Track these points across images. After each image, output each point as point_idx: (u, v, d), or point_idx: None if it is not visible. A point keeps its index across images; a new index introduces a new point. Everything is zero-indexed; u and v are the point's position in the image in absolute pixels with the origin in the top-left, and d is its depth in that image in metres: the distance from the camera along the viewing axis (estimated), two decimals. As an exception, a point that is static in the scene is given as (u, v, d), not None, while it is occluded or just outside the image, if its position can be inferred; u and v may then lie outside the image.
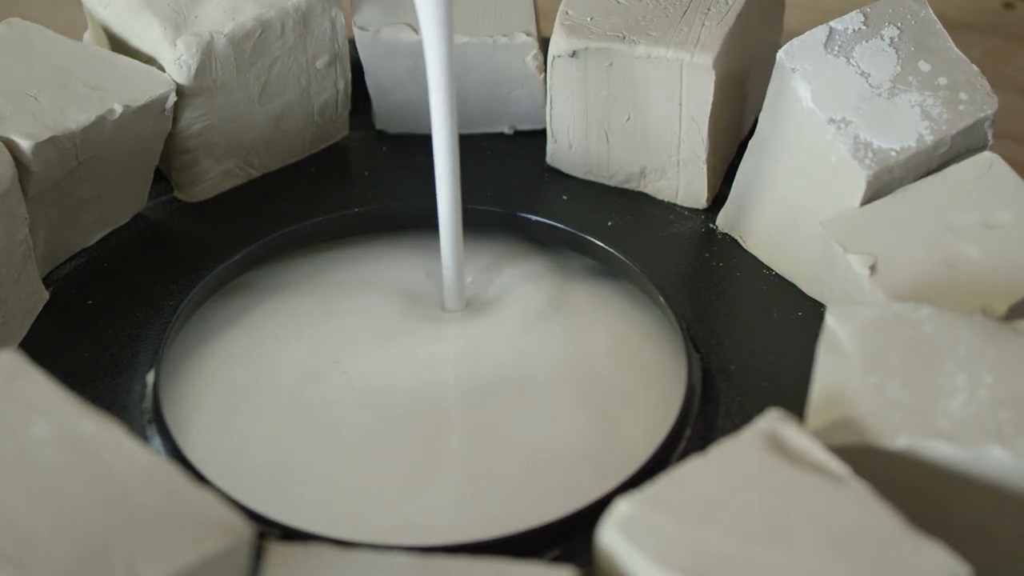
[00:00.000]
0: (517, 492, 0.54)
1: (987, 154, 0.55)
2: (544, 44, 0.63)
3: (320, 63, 0.63)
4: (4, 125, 0.55)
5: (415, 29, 0.63)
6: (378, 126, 0.67)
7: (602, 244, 0.61)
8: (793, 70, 0.56)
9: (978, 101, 0.56)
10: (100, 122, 0.57)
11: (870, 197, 0.55)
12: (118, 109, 0.57)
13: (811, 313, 0.58)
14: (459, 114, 0.65)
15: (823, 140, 0.55)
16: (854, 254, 0.53)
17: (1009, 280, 0.51)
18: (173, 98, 0.59)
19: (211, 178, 0.63)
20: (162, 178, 0.63)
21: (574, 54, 0.60)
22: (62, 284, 0.60)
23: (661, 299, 0.58)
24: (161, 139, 0.60)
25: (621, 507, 0.43)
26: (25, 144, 0.55)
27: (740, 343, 0.57)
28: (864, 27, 0.57)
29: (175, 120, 0.60)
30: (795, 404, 0.50)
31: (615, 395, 0.58)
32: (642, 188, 0.64)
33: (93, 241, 0.61)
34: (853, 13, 0.58)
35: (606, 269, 0.62)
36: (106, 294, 0.59)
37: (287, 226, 0.62)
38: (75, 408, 0.44)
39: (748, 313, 0.59)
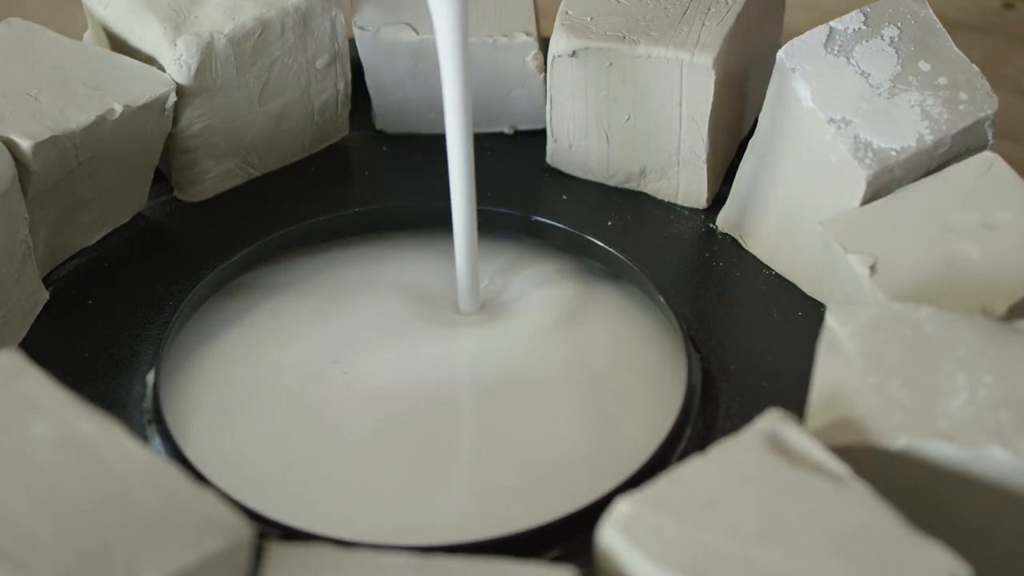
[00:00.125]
0: (517, 492, 0.54)
1: (987, 154, 0.55)
2: (544, 44, 0.63)
3: (320, 63, 0.63)
4: (4, 125, 0.55)
5: (415, 29, 0.63)
6: (378, 126, 0.67)
7: (602, 244, 0.61)
8: (793, 70, 0.56)
9: (978, 101, 0.56)
10: (100, 122, 0.57)
11: (870, 197, 0.55)
12: (118, 109, 0.57)
13: (811, 313, 0.58)
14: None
15: (823, 140, 0.55)
16: (854, 254, 0.53)
17: (1009, 280, 0.51)
18: (173, 98, 0.59)
19: (211, 178, 0.63)
20: (162, 178, 0.63)
21: (574, 54, 0.60)
22: (62, 284, 0.60)
23: (661, 299, 0.58)
24: (161, 139, 0.60)
25: (621, 507, 0.43)
26: (25, 144, 0.55)
27: (740, 343, 0.57)
28: (864, 27, 0.57)
29: (175, 120, 0.60)
30: (795, 404, 0.50)
31: (615, 395, 0.58)
32: (642, 188, 0.64)
33: (93, 241, 0.61)
34: (853, 13, 0.58)
35: (606, 269, 0.62)
36: (106, 294, 0.59)
37: (287, 226, 0.62)
38: (75, 408, 0.44)
39: (748, 313, 0.59)
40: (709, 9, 0.60)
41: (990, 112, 0.56)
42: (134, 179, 0.61)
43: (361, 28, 0.64)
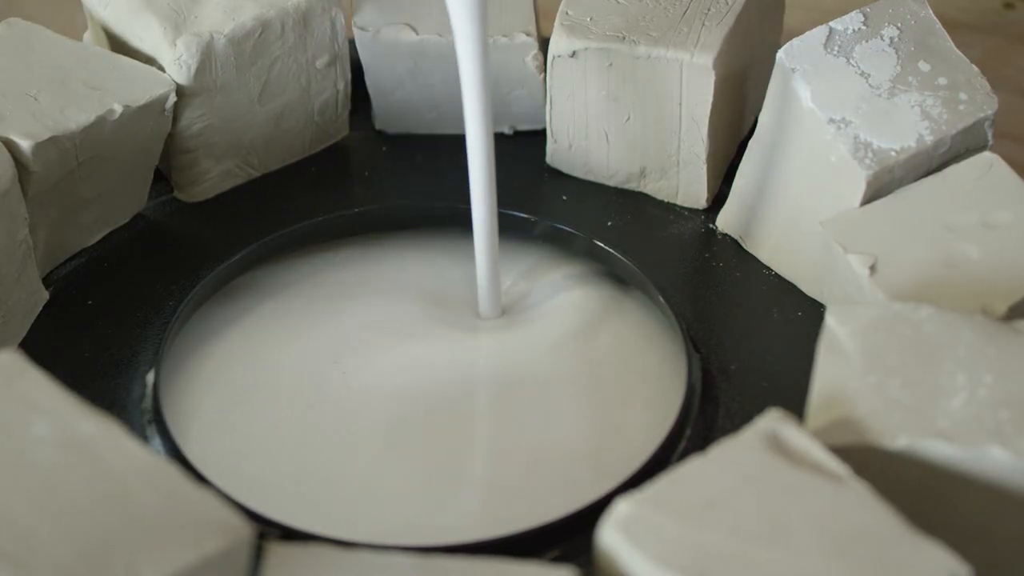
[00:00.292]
0: (517, 492, 0.54)
1: (987, 154, 0.55)
2: (544, 44, 0.63)
3: (320, 63, 0.63)
4: (4, 125, 0.55)
5: (415, 29, 0.63)
6: (378, 126, 0.67)
7: (602, 244, 0.61)
8: (793, 70, 0.56)
9: (978, 101, 0.56)
10: (100, 122, 0.57)
11: (870, 197, 0.55)
12: (118, 109, 0.57)
13: (811, 313, 0.58)
14: (459, 114, 0.65)
15: (823, 140, 0.55)
16: (854, 254, 0.53)
17: (1009, 280, 0.51)
18: (173, 98, 0.59)
19: (211, 178, 0.63)
20: (162, 178, 0.63)
21: (574, 54, 0.60)
22: (62, 284, 0.60)
23: (661, 299, 0.58)
24: (161, 139, 0.60)
25: (621, 507, 0.43)
26: (25, 144, 0.55)
27: (740, 343, 0.57)
28: (864, 27, 0.57)
29: (175, 120, 0.60)
30: (795, 404, 0.50)
31: (615, 395, 0.58)
32: (642, 188, 0.64)
33: (93, 241, 0.61)
34: (853, 13, 0.58)
35: (606, 269, 0.62)
36: (106, 294, 0.59)
37: (287, 226, 0.62)
38: (75, 408, 0.44)
39: (748, 313, 0.59)
40: (709, 9, 0.60)
41: (990, 112, 0.56)
42: (134, 179, 0.61)
43: (361, 28, 0.64)
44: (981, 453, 0.45)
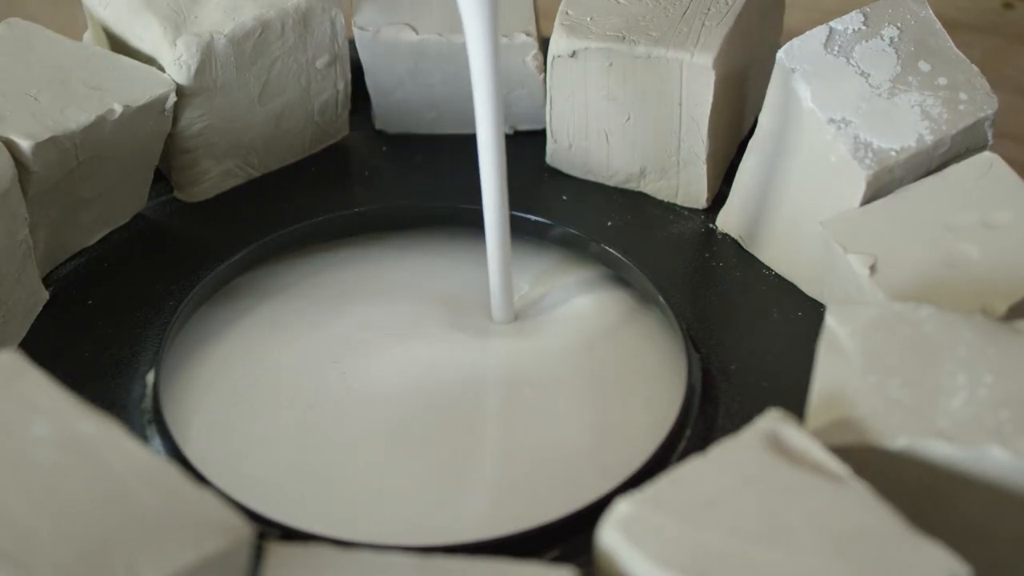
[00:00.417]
0: (517, 492, 0.54)
1: (987, 154, 0.55)
2: (544, 44, 0.63)
3: (320, 63, 0.63)
4: (4, 125, 0.55)
5: (415, 29, 0.63)
6: (378, 126, 0.67)
7: (602, 244, 0.61)
8: (793, 70, 0.56)
9: (978, 101, 0.56)
10: (100, 122, 0.57)
11: (870, 197, 0.55)
12: (118, 109, 0.57)
13: (811, 313, 0.58)
14: (459, 114, 0.65)
15: (823, 140, 0.55)
16: (854, 254, 0.53)
17: (1009, 280, 0.51)
18: (173, 98, 0.59)
19: (211, 178, 0.63)
20: (162, 178, 0.63)
21: (574, 54, 0.60)
22: (62, 284, 0.60)
23: (661, 299, 0.58)
24: (161, 139, 0.60)
25: (621, 507, 0.43)
26: (25, 144, 0.55)
27: (740, 343, 0.57)
28: (864, 27, 0.57)
29: (175, 120, 0.60)
30: (795, 404, 0.50)
31: (615, 395, 0.58)
32: (642, 188, 0.64)
33: (93, 241, 0.61)
34: (853, 13, 0.58)
35: (606, 270, 0.62)
36: (106, 294, 0.59)
37: (287, 226, 0.62)
38: (75, 408, 0.44)
39: (748, 313, 0.59)
40: (709, 9, 0.60)
41: (990, 112, 0.56)
42: (134, 179, 0.61)
43: (361, 28, 0.64)
44: (981, 453, 0.45)
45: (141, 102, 0.58)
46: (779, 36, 0.67)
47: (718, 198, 0.63)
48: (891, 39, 0.57)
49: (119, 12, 0.61)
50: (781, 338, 0.58)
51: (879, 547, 0.42)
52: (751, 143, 0.59)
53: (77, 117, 0.57)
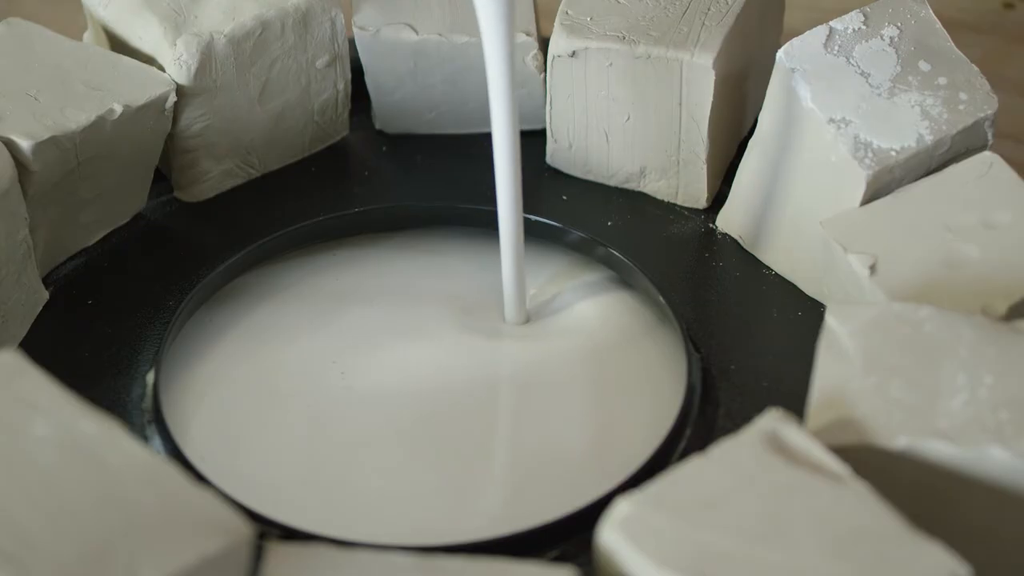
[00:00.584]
0: (517, 492, 0.54)
1: (987, 154, 0.55)
2: (544, 44, 0.63)
3: (320, 63, 0.63)
4: (4, 125, 0.55)
5: (415, 29, 0.63)
6: (378, 126, 0.67)
7: (602, 244, 0.61)
8: (793, 70, 0.56)
9: (978, 101, 0.56)
10: (100, 122, 0.57)
11: (870, 197, 0.55)
12: (118, 109, 0.57)
13: (811, 313, 0.58)
14: (459, 114, 0.65)
15: (823, 140, 0.55)
16: (854, 254, 0.53)
17: (1009, 280, 0.51)
18: (173, 98, 0.59)
19: (211, 178, 0.63)
20: (162, 178, 0.63)
21: (574, 54, 0.60)
22: (62, 284, 0.60)
23: (661, 299, 0.58)
24: (161, 139, 0.60)
25: (621, 507, 0.43)
26: (25, 144, 0.55)
27: (740, 343, 0.57)
28: (864, 27, 0.57)
29: (175, 120, 0.60)
30: (795, 404, 0.50)
31: (615, 395, 0.58)
32: (642, 188, 0.64)
33: (93, 241, 0.61)
34: (853, 13, 0.58)
35: (605, 270, 0.62)
36: (106, 294, 0.59)
37: (287, 226, 0.62)
38: (75, 408, 0.44)
39: (748, 313, 0.59)
40: (709, 9, 0.60)
41: (990, 112, 0.56)
42: (134, 179, 0.61)
43: (361, 28, 0.64)
44: (981, 453, 0.45)
45: (141, 102, 0.58)
46: (779, 36, 0.67)
47: (718, 198, 0.63)
48: (891, 39, 0.57)
49: (119, 12, 0.61)
50: (781, 338, 0.58)
51: (879, 547, 0.42)
52: (751, 143, 0.59)
53: (77, 117, 0.57)
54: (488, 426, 0.57)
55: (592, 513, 0.49)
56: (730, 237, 0.62)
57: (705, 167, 0.61)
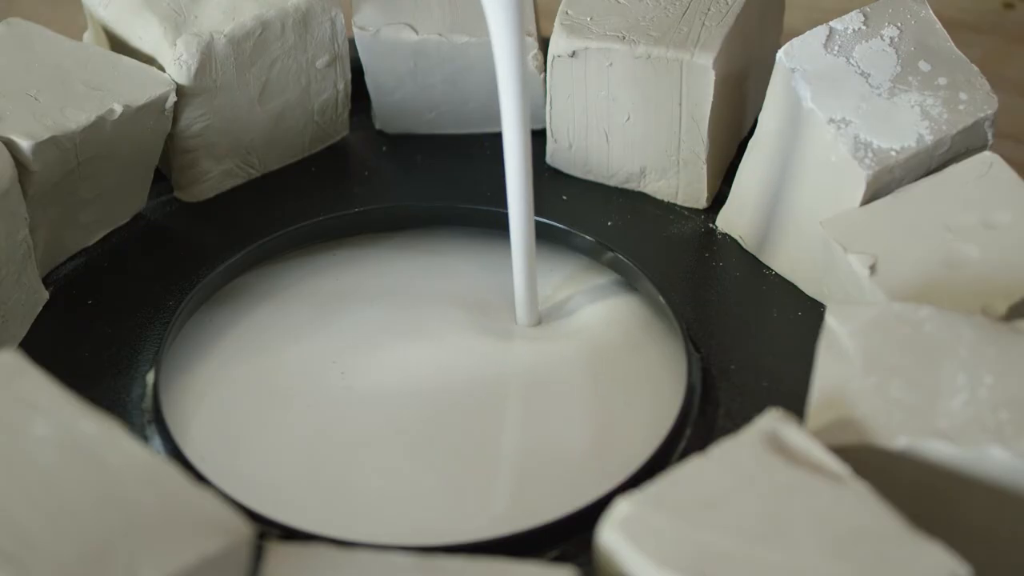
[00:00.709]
0: (517, 492, 0.54)
1: (987, 154, 0.55)
2: (544, 44, 0.63)
3: (320, 63, 0.63)
4: (4, 125, 0.55)
5: (415, 29, 0.63)
6: (378, 126, 0.67)
7: (602, 244, 0.61)
8: (793, 70, 0.56)
9: (978, 101, 0.56)
10: (100, 122, 0.57)
11: (870, 197, 0.55)
12: (118, 109, 0.57)
13: (811, 313, 0.58)
14: (459, 114, 0.66)
15: (823, 140, 0.55)
16: (854, 254, 0.53)
17: (1009, 280, 0.51)
18: (173, 98, 0.59)
19: (211, 178, 0.63)
20: (162, 178, 0.63)
21: (574, 54, 0.60)
22: (62, 284, 0.60)
23: (661, 299, 0.58)
24: (161, 139, 0.60)
25: (621, 507, 0.43)
26: (25, 144, 0.55)
27: (740, 343, 0.57)
28: (864, 27, 0.57)
29: (175, 120, 0.60)
30: (795, 404, 0.50)
31: (615, 395, 0.58)
32: (642, 188, 0.64)
33: (93, 241, 0.61)
34: (853, 13, 0.58)
35: (605, 269, 0.62)
36: (106, 294, 0.59)
37: (287, 226, 0.62)
38: (75, 408, 0.44)
39: (748, 313, 0.59)
40: (709, 9, 0.60)
41: (990, 112, 0.56)
42: (134, 179, 0.61)
43: (361, 28, 0.64)
44: (981, 453, 0.45)
45: (141, 102, 0.58)
46: (779, 36, 0.67)
47: (718, 198, 0.63)
48: (891, 39, 0.57)
49: (119, 12, 0.61)
50: (781, 338, 0.58)
51: (879, 547, 0.42)
52: (751, 143, 0.59)
53: (77, 117, 0.57)
54: (488, 426, 0.57)
55: (592, 513, 0.49)
56: (730, 237, 0.62)
57: (705, 167, 0.61)
